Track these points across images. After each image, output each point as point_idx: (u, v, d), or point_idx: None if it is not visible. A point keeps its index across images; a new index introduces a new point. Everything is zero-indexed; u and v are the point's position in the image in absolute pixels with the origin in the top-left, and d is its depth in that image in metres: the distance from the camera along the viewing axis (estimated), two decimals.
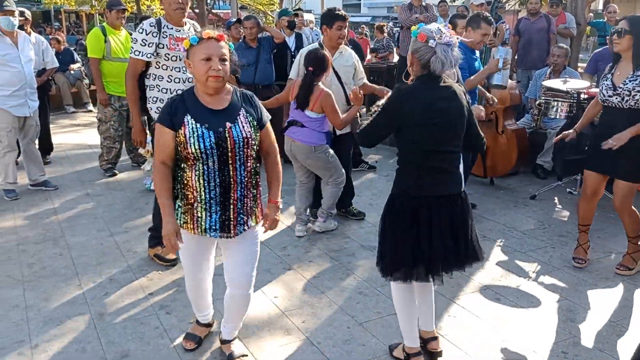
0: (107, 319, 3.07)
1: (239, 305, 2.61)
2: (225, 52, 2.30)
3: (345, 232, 4.34)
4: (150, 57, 3.45)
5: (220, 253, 2.63)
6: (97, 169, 6.00)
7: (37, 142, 5.46)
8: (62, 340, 2.86)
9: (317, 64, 3.91)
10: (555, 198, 5.16)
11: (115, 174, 5.85)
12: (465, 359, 2.75)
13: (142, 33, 3.43)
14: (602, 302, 3.28)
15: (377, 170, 6.10)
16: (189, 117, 2.29)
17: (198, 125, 2.28)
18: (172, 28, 3.49)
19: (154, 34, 3.43)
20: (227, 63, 2.31)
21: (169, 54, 3.46)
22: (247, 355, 2.72)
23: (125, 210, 4.82)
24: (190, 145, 2.25)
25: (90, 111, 9.86)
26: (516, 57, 7.62)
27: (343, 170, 4.24)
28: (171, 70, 3.51)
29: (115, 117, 5.70)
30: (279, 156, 2.58)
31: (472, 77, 4.18)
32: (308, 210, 4.37)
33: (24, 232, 4.31)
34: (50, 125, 6.51)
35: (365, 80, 4.57)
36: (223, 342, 2.76)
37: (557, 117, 5.16)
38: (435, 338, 2.76)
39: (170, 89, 3.50)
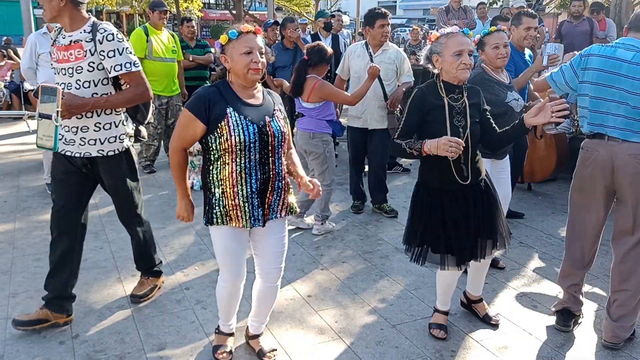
0: (145, 311, 3.14)
1: (269, 297, 2.66)
2: (262, 45, 2.37)
3: (378, 234, 4.33)
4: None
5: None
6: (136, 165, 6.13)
7: None
8: (102, 331, 2.94)
9: (312, 54, 4.03)
10: None
11: (153, 171, 5.98)
12: None
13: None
14: None
15: (410, 172, 6.07)
16: (231, 109, 2.32)
17: (241, 117, 2.32)
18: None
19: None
20: (264, 56, 2.37)
21: None
22: (276, 350, 2.76)
23: (163, 206, 4.92)
24: (236, 137, 2.29)
25: None
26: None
27: (333, 177, 4.30)
28: None
29: (155, 115, 5.83)
30: (293, 146, 2.73)
31: (517, 77, 4.11)
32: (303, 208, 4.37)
33: None
34: None
35: (410, 80, 4.60)
36: (252, 337, 2.79)
37: None
38: (481, 300, 3.10)
39: None
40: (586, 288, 3.47)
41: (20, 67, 5.15)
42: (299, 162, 2.67)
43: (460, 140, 2.40)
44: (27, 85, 9.08)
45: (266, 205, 2.44)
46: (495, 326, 3.02)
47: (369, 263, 3.81)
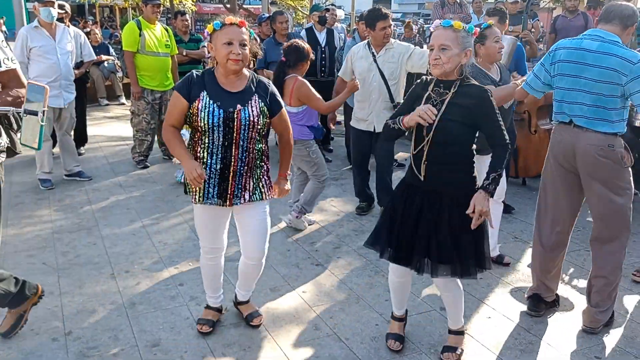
0: (138, 308, 3.12)
1: (253, 271, 2.85)
2: (246, 37, 2.48)
3: None
4: None
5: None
6: (130, 160, 6.11)
7: (72, 133, 5.58)
8: (95, 328, 2.92)
9: (289, 54, 3.93)
10: None
11: (147, 166, 5.94)
12: None
13: None
14: (638, 306, 3.20)
15: (405, 168, 6.06)
16: (204, 93, 2.51)
17: (211, 102, 2.49)
18: None
19: None
20: (247, 48, 2.48)
21: None
22: (262, 316, 2.95)
23: (157, 202, 4.90)
24: (201, 119, 2.48)
25: (123, 104, 10.03)
26: None
27: (326, 170, 4.24)
28: None
29: (147, 110, 5.79)
30: (292, 138, 2.84)
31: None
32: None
33: (59, 221, 4.41)
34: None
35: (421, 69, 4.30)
36: (239, 303, 3.01)
37: None
38: (462, 333, 2.75)
39: None
40: (580, 283, 3.48)
41: None
42: (288, 158, 2.85)
43: (432, 108, 2.32)
44: None
45: (228, 187, 2.60)
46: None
47: (364, 259, 3.81)
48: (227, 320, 2.99)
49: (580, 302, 3.24)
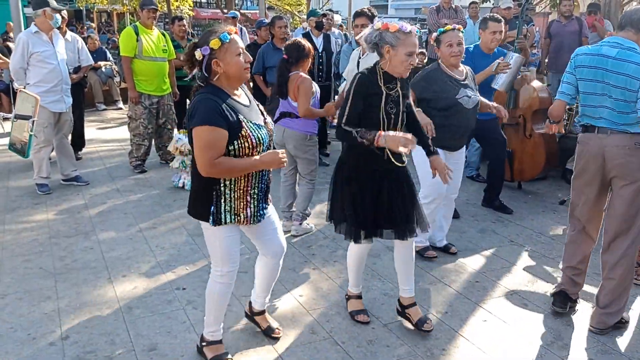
0: (135, 312, 3.13)
1: (274, 273, 2.82)
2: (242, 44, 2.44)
3: None
4: None
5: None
6: (127, 165, 6.12)
7: (69, 137, 5.59)
8: (92, 332, 2.93)
9: (291, 52, 3.98)
10: None
11: (144, 171, 5.95)
12: None
13: None
14: (636, 309, 3.22)
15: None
16: (241, 115, 2.37)
17: (251, 122, 2.40)
18: None
19: None
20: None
21: None
22: (281, 328, 2.90)
23: (154, 206, 4.90)
24: (255, 140, 2.37)
25: (120, 109, 10.05)
26: (547, 60, 7.51)
27: (317, 170, 4.33)
28: None
29: (145, 115, 5.81)
30: None
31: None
32: (293, 207, 4.36)
33: (56, 226, 4.42)
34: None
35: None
36: (257, 313, 2.92)
37: None
38: (414, 304, 3.01)
39: None
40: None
41: (10, 66, 5.06)
42: None
43: (414, 138, 2.61)
44: (17, 85, 8.99)
45: (268, 200, 2.62)
46: (427, 332, 2.92)
47: None
48: (224, 324, 2.99)
49: (584, 307, 3.25)
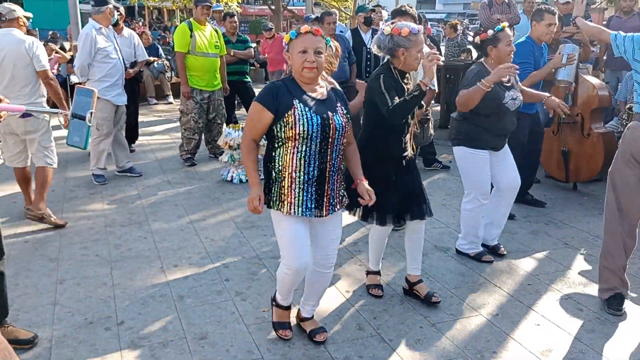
0: (186, 301, 3.20)
1: (322, 283, 2.79)
2: (321, 45, 2.46)
3: None
4: None
5: None
6: (177, 158, 6.26)
7: (124, 130, 5.77)
8: (146, 319, 3.02)
9: None
10: None
11: (194, 164, 6.08)
12: None
13: None
14: None
15: (450, 170, 5.98)
16: (297, 101, 2.46)
17: (306, 109, 2.46)
18: None
19: None
20: (322, 56, 2.46)
21: None
22: (326, 332, 2.86)
23: (204, 199, 5.00)
24: (300, 126, 2.43)
25: (171, 103, 10.30)
26: (605, 57, 7.22)
27: None
28: None
29: (196, 110, 5.92)
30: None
31: (535, 72, 4.22)
32: None
33: (112, 215, 4.57)
34: None
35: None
36: (303, 319, 2.90)
37: None
38: (421, 281, 3.22)
39: None
40: (633, 291, 3.36)
41: (76, 62, 5.19)
42: (358, 160, 2.77)
43: (439, 56, 2.80)
44: (74, 79, 9.35)
45: (325, 198, 2.57)
46: (435, 304, 3.13)
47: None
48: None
49: (631, 311, 3.12)
